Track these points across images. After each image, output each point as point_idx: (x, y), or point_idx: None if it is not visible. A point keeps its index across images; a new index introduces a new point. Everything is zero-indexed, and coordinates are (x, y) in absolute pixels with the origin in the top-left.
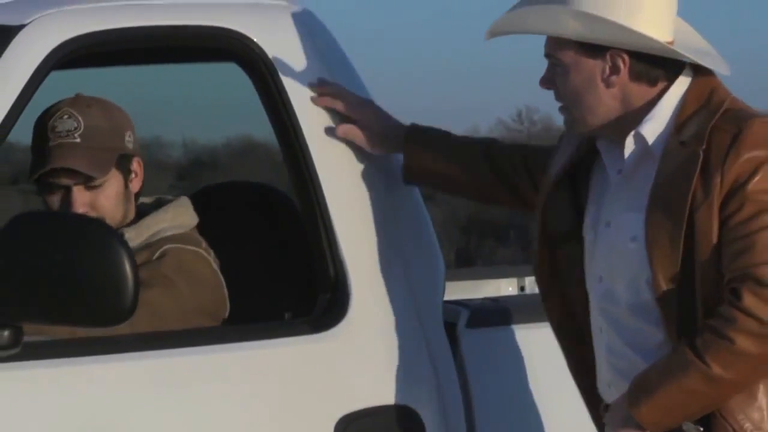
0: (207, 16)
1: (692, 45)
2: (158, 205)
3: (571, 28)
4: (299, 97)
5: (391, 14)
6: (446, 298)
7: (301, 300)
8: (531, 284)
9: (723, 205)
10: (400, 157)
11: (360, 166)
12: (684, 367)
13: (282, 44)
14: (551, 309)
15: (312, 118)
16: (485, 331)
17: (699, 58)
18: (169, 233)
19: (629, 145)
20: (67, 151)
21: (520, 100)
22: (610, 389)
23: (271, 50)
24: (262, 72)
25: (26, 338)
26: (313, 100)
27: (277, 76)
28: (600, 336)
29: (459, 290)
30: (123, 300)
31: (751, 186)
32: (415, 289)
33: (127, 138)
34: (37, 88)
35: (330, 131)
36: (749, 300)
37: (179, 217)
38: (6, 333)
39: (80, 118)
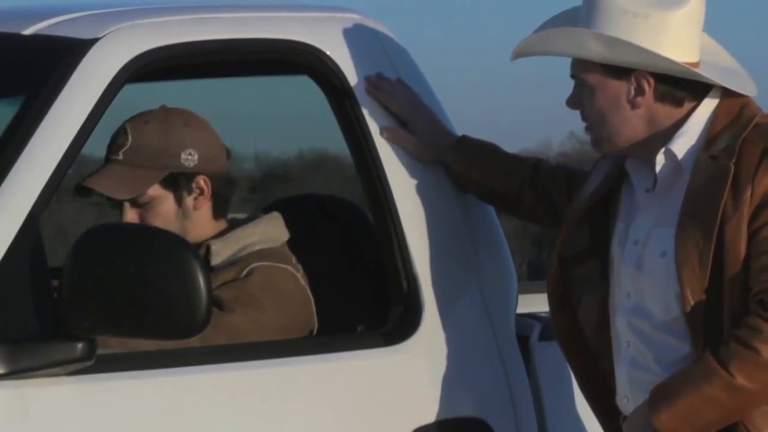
0: (280, 30)
1: (719, 64)
2: (250, 220)
3: (594, 51)
4: (372, 110)
5: (464, 23)
6: (518, 311)
7: (374, 313)
8: None
9: (752, 219)
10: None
11: (433, 180)
12: (707, 375)
13: (355, 57)
14: (559, 328)
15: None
16: (557, 344)
17: (724, 80)
18: (258, 247)
19: (660, 161)
20: (106, 169)
21: None
22: (629, 403)
23: (344, 63)
24: (335, 85)
25: (100, 351)
26: (368, 92)
27: (350, 89)
28: (626, 350)
29: (531, 303)
30: (196, 313)
31: None
32: (487, 302)
33: (184, 156)
34: (111, 101)
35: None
36: None
37: (270, 230)
38: (80, 345)
39: (130, 135)
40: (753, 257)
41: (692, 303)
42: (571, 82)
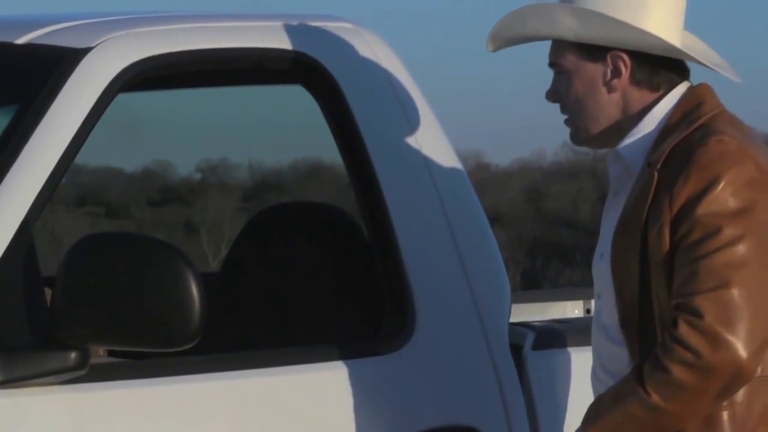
0: (273, 39)
1: (701, 54)
2: None
3: (567, 28)
4: (365, 119)
5: (457, 30)
6: (512, 320)
7: (367, 322)
8: None
9: (674, 229)
10: (463, 176)
11: (426, 188)
12: (629, 392)
13: (348, 66)
14: None
15: (378, 141)
16: (551, 353)
17: (704, 60)
18: None
19: (610, 162)
20: None
21: None
22: None
23: (337, 72)
24: (328, 94)
25: (93, 360)
26: None
27: (343, 98)
28: (594, 355)
29: (525, 312)
30: (189, 322)
31: (700, 209)
32: (480, 311)
33: None
34: (104, 110)
35: (396, 153)
36: (684, 330)
37: None
38: (73, 354)
39: None
40: (676, 269)
41: (625, 310)
42: None
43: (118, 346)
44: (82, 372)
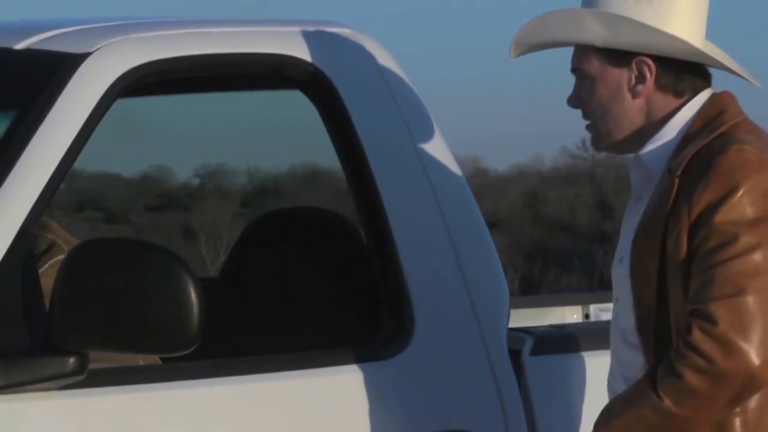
0: (271, 44)
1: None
2: None
3: (594, 33)
4: (363, 124)
5: (455, 36)
6: (510, 325)
7: (365, 328)
8: (595, 312)
9: (692, 235)
10: (462, 181)
11: (425, 194)
12: (641, 396)
13: (346, 71)
14: None
15: (376, 146)
16: (549, 358)
17: (729, 64)
18: None
19: (632, 167)
20: None
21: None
22: None
23: (335, 77)
24: (326, 99)
25: (92, 365)
26: None
27: (342, 103)
28: (612, 358)
29: (523, 318)
30: (188, 328)
31: (718, 216)
32: (479, 317)
33: None
34: (102, 116)
35: (394, 158)
36: (697, 336)
37: None
38: (72, 360)
39: None
40: (692, 276)
41: (642, 314)
42: (567, 90)
43: (116, 351)
44: (81, 377)
